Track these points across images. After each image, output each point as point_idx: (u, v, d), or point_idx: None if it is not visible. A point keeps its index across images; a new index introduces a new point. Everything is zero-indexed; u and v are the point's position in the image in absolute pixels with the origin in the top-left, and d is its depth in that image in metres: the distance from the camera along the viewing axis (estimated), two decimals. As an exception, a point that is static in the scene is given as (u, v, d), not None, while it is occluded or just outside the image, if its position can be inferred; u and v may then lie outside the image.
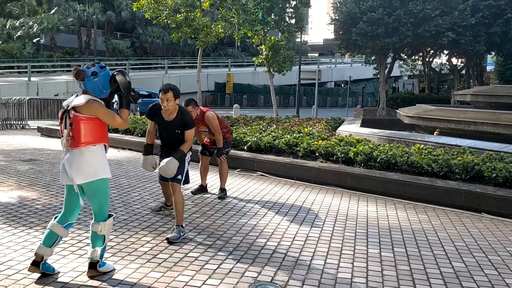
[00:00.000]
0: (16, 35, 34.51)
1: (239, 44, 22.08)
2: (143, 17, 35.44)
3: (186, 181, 4.98)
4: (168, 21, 20.04)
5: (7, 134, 13.35)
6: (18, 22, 35.00)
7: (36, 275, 3.46)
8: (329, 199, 6.43)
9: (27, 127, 15.53)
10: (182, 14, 19.37)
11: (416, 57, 32.77)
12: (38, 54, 36.55)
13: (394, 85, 47.48)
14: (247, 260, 4.00)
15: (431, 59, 30.84)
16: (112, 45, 40.90)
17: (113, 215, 3.62)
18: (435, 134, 10.25)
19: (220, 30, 21.19)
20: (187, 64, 39.45)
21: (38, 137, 12.94)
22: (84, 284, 3.38)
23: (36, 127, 14.33)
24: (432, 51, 29.49)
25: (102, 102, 3.54)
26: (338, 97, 48.89)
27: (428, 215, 5.71)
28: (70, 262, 3.79)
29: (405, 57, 30.56)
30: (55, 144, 11.36)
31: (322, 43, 77.82)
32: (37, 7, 36.99)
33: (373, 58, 27.18)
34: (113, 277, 3.52)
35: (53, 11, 36.24)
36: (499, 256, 4.32)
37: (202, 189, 6.53)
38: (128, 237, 4.48)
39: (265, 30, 20.34)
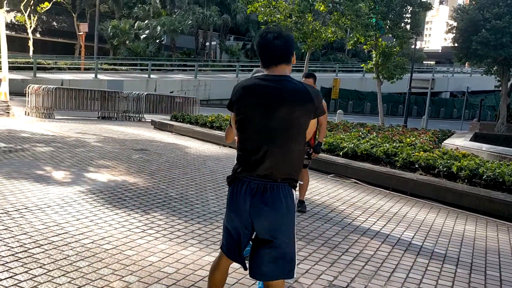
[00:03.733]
0: (143, 36, 37.71)
1: (350, 48, 21.77)
2: (256, 20, 36.64)
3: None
4: (280, 25, 20.46)
5: (125, 125, 14.66)
6: (144, 23, 38.17)
7: (130, 253, 3.82)
8: (424, 213, 6.13)
9: (143, 120, 16.89)
10: (293, 19, 19.64)
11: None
12: (159, 54, 39.51)
13: (519, 99, 43.34)
14: (326, 264, 4.00)
15: None
16: (225, 47, 42.80)
17: None
18: (557, 154, 9.21)
19: (329, 35, 21.12)
20: (294, 68, 39.78)
21: (151, 130, 14.02)
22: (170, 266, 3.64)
23: (150, 120, 15.54)
24: None
25: None
26: (453, 109, 45.89)
27: (535, 242, 5.20)
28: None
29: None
30: (165, 137, 12.23)
31: (440, 51, 73.84)
32: (161, 9, 40.01)
33: (494, 68, 25.14)
34: (196, 262, 3.75)
35: (175, 14, 38.94)
36: None
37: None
38: (216, 228, 4.71)
39: (378, 35, 19.86)
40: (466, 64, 46.47)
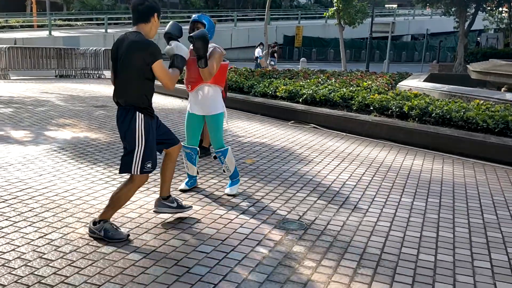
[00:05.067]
0: (96, -12, 36.03)
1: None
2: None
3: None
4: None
5: (84, 83, 14.41)
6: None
7: (94, 202, 4.00)
8: (377, 152, 6.50)
9: (102, 77, 16.59)
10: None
11: (503, 9, 30.21)
12: (116, 6, 37.99)
13: (478, 39, 44.33)
14: (281, 201, 4.28)
15: (518, 11, 28.33)
16: (184, -3, 41.49)
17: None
18: (502, 90, 9.72)
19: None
20: (257, 17, 39.24)
21: (111, 86, 13.81)
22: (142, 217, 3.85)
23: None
24: (521, 2, 27.05)
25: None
26: (415, 52, 46.56)
27: (475, 171, 5.64)
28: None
29: (489, 8, 28.31)
30: (126, 93, 12.13)
31: (401, -6, 73.54)
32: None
33: (453, 9, 25.50)
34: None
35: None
36: (537, 212, 4.27)
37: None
38: (177, 176, 4.91)
39: (337, -20, 19.73)
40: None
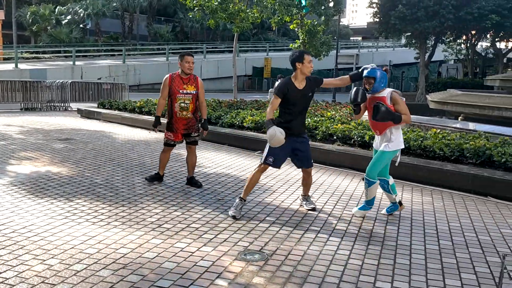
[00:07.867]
0: (65, 21, 36.02)
1: (274, 28, 22.27)
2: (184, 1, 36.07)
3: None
4: (204, 7, 20.40)
5: (50, 116, 14.22)
6: (66, 7, 36.45)
7: (52, 239, 3.93)
8: (340, 180, 6.63)
9: (69, 109, 16.42)
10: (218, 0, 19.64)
11: (460, 41, 31.73)
12: (84, 39, 37.96)
13: (439, 69, 46.16)
14: (243, 232, 4.31)
15: (475, 43, 29.81)
16: (154, 30, 41.87)
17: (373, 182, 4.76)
18: (459, 119, 10.13)
19: (255, 15, 21.37)
20: (226, 49, 39.85)
21: (77, 119, 13.70)
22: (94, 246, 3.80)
23: (76, 109, 15.15)
24: (477, 35, 28.51)
25: None
26: (380, 82, 47.95)
27: (433, 198, 5.82)
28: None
29: (448, 40, 29.70)
30: (93, 125, 12.03)
31: (366, 26, 76.23)
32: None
33: (413, 41, 26.62)
34: (118, 241, 3.93)
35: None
36: (490, 236, 4.43)
37: (159, 178, 6.11)
38: (140, 209, 4.89)
39: (302, 14, 20.34)
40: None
